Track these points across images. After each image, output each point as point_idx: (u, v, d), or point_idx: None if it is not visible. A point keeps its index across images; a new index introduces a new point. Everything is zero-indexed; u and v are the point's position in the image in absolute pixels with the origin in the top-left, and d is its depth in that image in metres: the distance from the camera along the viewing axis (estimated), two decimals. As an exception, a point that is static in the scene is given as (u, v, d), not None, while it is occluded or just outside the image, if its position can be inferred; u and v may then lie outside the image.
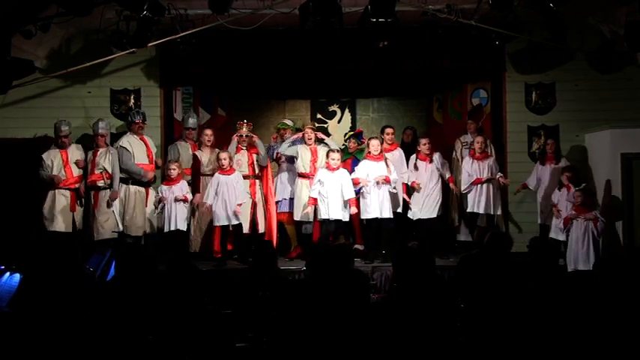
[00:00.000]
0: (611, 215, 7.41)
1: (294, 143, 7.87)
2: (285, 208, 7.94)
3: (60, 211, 7.37)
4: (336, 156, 7.31)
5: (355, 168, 7.57)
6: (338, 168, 7.31)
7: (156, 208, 7.47)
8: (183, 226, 7.38)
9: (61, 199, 7.41)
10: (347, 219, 7.44)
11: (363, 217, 7.46)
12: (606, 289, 3.86)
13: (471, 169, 7.64)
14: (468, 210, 7.69)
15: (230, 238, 7.62)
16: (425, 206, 7.59)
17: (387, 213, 7.33)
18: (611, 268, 3.95)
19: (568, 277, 6.05)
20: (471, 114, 8.70)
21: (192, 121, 8.05)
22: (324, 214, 7.28)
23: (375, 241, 7.48)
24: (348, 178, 7.33)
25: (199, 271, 5.26)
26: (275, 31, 7.87)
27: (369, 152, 7.45)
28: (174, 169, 7.36)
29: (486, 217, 7.67)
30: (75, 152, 7.59)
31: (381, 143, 7.56)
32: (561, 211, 7.13)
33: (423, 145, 7.66)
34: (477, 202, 7.58)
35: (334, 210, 7.24)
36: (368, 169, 7.36)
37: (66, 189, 7.44)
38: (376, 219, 7.33)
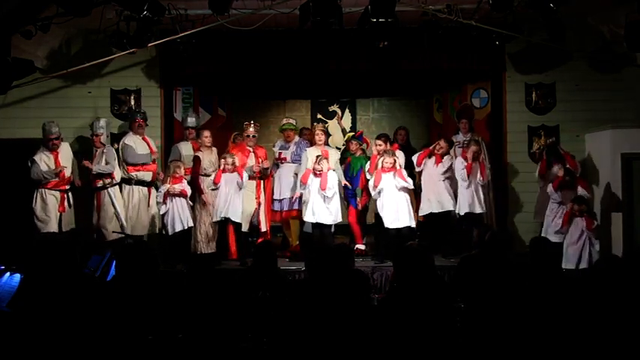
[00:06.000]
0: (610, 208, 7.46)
1: (298, 149, 7.82)
2: (286, 207, 7.87)
3: (52, 212, 7.30)
4: (323, 161, 7.33)
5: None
6: (328, 171, 7.30)
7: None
8: (191, 223, 7.43)
9: (52, 199, 7.34)
10: (339, 219, 7.41)
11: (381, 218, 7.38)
12: (605, 290, 3.86)
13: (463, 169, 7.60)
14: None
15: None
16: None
17: (405, 222, 7.27)
18: (609, 269, 3.96)
19: (568, 278, 6.06)
20: (461, 113, 8.65)
21: (190, 120, 8.07)
22: (309, 217, 7.27)
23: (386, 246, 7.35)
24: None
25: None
26: (275, 31, 7.87)
27: (383, 167, 7.25)
28: (180, 168, 7.40)
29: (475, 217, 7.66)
30: (66, 152, 7.53)
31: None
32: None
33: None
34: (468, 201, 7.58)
35: (321, 215, 7.21)
36: (385, 181, 7.26)
37: (56, 190, 7.38)
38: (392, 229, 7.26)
